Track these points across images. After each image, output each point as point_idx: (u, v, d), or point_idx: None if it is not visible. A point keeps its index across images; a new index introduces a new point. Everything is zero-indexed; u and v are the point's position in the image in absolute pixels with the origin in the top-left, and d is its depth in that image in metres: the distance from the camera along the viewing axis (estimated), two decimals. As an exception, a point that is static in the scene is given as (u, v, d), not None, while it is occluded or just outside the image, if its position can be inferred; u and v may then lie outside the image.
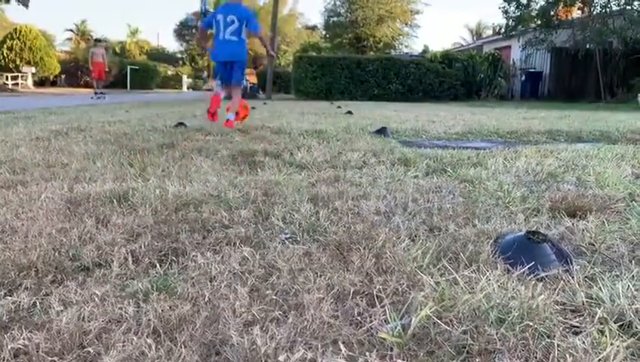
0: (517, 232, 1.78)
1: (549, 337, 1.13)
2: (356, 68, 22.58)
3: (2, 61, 31.44)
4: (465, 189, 2.60)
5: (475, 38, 44.49)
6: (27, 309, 1.24)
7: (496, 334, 1.13)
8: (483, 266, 1.51)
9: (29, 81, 31.88)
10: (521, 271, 1.47)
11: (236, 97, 6.04)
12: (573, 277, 1.45)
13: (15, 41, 32.56)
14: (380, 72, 22.46)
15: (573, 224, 1.98)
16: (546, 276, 1.47)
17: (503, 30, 22.89)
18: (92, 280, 1.42)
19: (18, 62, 32.12)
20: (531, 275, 1.46)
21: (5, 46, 32.17)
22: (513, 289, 1.35)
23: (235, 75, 6.01)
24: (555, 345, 1.09)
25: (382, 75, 22.46)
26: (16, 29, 33.40)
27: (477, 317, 1.21)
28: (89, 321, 1.18)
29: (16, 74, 30.50)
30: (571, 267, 1.54)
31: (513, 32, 22.31)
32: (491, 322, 1.18)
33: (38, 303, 1.27)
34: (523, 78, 22.13)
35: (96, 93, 18.90)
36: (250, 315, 1.23)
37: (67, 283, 1.39)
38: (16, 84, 29.61)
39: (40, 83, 33.88)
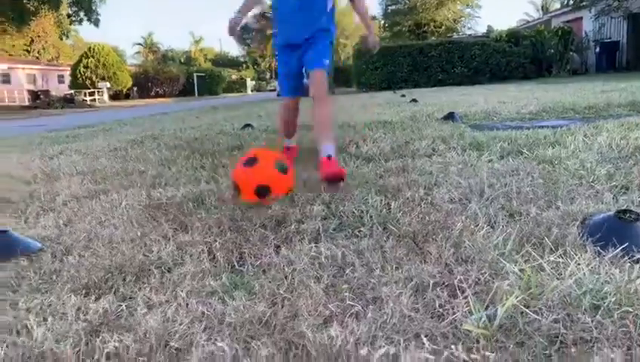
0: (605, 212, 1.66)
1: (652, 323, 1.04)
2: (418, 54, 22.15)
3: (80, 79, 33.44)
4: (544, 170, 2.47)
5: (541, 13, 42.42)
6: (115, 312, 1.29)
7: (592, 322, 1.05)
8: (570, 250, 1.42)
9: (105, 96, 33.73)
10: (614, 253, 1.37)
11: (324, 104, 3.08)
12: (674, 258, 1.33)
13: (90, 59, 34.53)
14: (443, 57, 21.91)
15: (668, 200, 1.83)
16: (643, 257, 1.36)
17: (572, 1, 21.66)
18: (173, 281, 1.45)
19: (94, 79, 34.05)
20: (625, 257, 1.35)
21: (82, 64, 34.19)
22: (606, 273, 1.26)
23: (316, 50, 2.97)
24: (661, 332, 1.00)
25: (445, 60, 21.90)
26: (90, 47, 35.42)
27: (568, 304, 1.13)
28: (173, 321, 1.21)
29: (92, 90, 32.37)
30: (671, 246, 1.41)
31: (583, 2, 21.04)
32: (585, 309, 1.10)
33: (124, 306, 1.31)
34: (597, 49, 20.82)
35: None
36: (327, 311, 1.21)
37: (150, 285, 1.43)
38: (94, 99, 31.43)
39: (114, 97, 35.75)
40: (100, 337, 1.16)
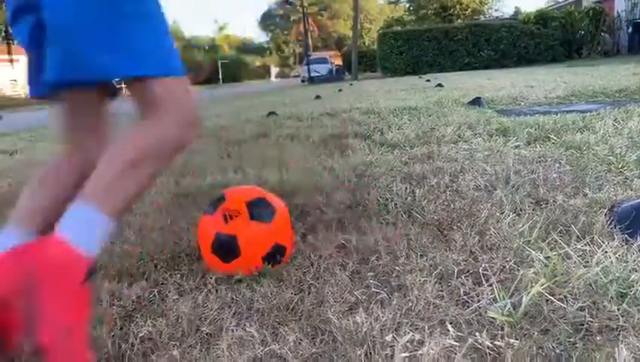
0: (634, 199, 1.64)
1: (680, 312, 1.03)
2: (444, 38, 21.87)
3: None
4: (572, 156, 2.44)
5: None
6: (147, 298, 1.34)
7: (618, 310, 1.05)
8: (598, 238, 1.41)
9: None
10: (643, 241, 1.36)
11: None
12: None
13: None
14: (469, 40, 21.61)
15: (701, 186, 1.79)
16: (673, 245, 1.34)
17: (603, -20, 21.04)
18: (202, 268, 1.49)
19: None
20: (654, 245, 1.34)
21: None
22: (634, 261, 1.25)
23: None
24: (689, 320, 0.99)
25: (472, 43, 21.59)
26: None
27: (594, 292, 1.13)
28: (203, 307, 1.25)
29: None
30: (702, 234, 1.39)
31: (616, -19, 20.43)
32: (611, 297, 1.10)
33: (156, 292, 1.36)
34: (630, 30, 20.21)
35: None
36: (353, 298, 1.24)
37: (181, 272, 1.48)
38: (120, 88, 31.89)
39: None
40: (134, 322, 1.20)
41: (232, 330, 1.14)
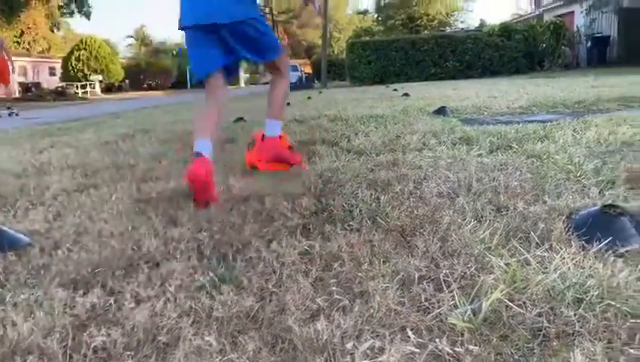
0: (591, 207, 1.68)
1: (633, 317, 1.05)
2: (411, 48, 22.18)
3: (71, 71, 33.16)
4: (532, 165, 2.49)
5: (534, 7, 42.46)
6: (103, 307, 1.29)
7: (575, 315, 1.07)
8: (556, 244, 1.44)
9: (97, 89, 33.50)
10: (598, 247, 1.39)
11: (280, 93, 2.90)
12: (657, 252, 1.35)
13: (82, 52, 34.25)
14: (435, 51, 21.97)
15: (654, 195, 1.85)
16: (627, 251, 1.37)
17: (564, -5, 21.73)
18: (162, 275, 1.46)
19: (86, 72, 33.78)
20: (609, 251, 1.37)
21: (73, 57, 33.92)
22: (590, 267, 1.27)
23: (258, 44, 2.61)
24: (641, 325, 1.01)
25: (438, 54, 21.96)
26: (82, 40, 35.12)
27: (552, 298, 1.15)
28: (161, 316, 1.22)
29: (84, 83, 32.12)
30: (655, 241, 1.43)
31: (576, -3, 21.13)
32: (568, 303, 1.12)
33: (112, 301, 1.32)
34: (589, 44, 20.90)
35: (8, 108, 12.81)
36: (315, 305, 1.22)
37: (138, 280, 1.44)
38: (85, 92, 31.19)
39: (107, 89, 35.53)
40: (88, 331, 1.16)
41: (190, 339, 1.11)
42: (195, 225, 1.89)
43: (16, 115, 12.53)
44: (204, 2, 2.44)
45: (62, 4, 35.11)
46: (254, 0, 2.59)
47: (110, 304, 1.30)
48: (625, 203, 1.78)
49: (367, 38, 30.00)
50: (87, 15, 34.05)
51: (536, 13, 28.75)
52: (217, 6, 2.42)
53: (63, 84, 32.29)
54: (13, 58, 13.00)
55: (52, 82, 33.64)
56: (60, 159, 3.83)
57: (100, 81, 34.08)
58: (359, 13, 53.91)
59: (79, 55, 34.12)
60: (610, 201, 1.75)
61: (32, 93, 28.58)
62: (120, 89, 37.52)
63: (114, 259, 1.58)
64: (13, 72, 12.95)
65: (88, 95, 30.62)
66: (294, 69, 28.57)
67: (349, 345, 1.03)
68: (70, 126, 7.56)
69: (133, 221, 2.01)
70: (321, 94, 13.72)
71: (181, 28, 2.54)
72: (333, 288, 1.30)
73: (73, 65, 33.60)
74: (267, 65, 2.88)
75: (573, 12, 22.69)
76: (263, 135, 2.85)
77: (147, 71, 38.84)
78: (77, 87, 31.16)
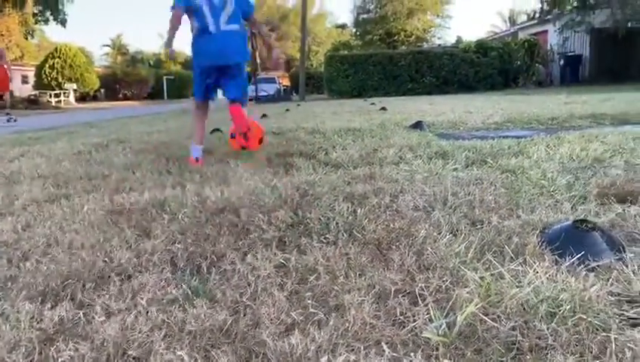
0: (564, 222, 1.70)
1: (604, 331, 1.07)
2: (388, 63, 22.40)
3: (45, 80, 32.57)
4: (507, 180, 2.52)
5: (509, 25, 43.45)
6: (72, 320, 1.26)
7: (548, 329, 1.08)
8: (530, 259, 1.45)
9: (71, 98, 32.95)
10: (571, 261, 1.41)
11: (240, 116, 3.91)
12: (627, 266, 1.37)
13: (56, 60, 33.69)
14: (412, 66, 22.22)
15: (624, 210, 1.89)
16: (598, 266, 1.40)
17: (537, 15, 22.28)
18: (133, 288, 1.43)
19: (60, 80, 33.23)
20: (582, 266, 1.39)
21: (47, 65, 33.32)
22: (563, 281, 1.29)
23: (235, 84, 3.87)
24: (612, 338, 1.03)
25: (415, 69, 22.21)
26: (56, 48, 34.57)
27: (526, 311, 1.16)
28: (132, 330, 1.19)
29: (58, 91, 31.59)
30: (624, 255, 1.46)
31: (549, 16, 21.69)
32: (541, 317, 1.13)
33: (81, 314, 1.28)
34: (562, 62, 21.43)
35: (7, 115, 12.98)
36: (290, 319, 1.21)
37: (110, 293, 1.40)
38: (59, 101, 30.66)
39: (81, 98, 34.97)
40: (55, 346, 1.12)
41: (162, 354, 1.08)
42: (168, 236, 1.86)
43: (15, 120, 12.77)
44: (218, 50, 3.71)
45: (36, 11, 34.59)
46: (247, 47, 3.97)
47: (79, 317, 1.27)
48: (596, 218, 1.81)
49: (346, 52, 30.23)
50: (63, 23, 33.58)
51: (512, 31, 29.39)
52: (227, 53, 3.75)
53: (36, 92, 31.69)
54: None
55: (25, 90, 32.97)
56: (30, 168, 3.74)
57: (75, 90, 33.53)
58: (338, 27, 54.37)
59: (53, 63, 33.56)
60: (582, 216, 1.78)
61: (2, 100, 27.94)
62: (95, 98, 36.95)
63: (84, 271, 1.55)
64: (11, 80, 13.89)
65: (62, 104, 30.09)
66: (272, 81, 28.61)
67: (323, 360, 1.02)
68: (42, 135, 7.42)
69: (105, 232, 1.97)
70: (299, 107, 13.74)
71: (198, 65, 3.86)
72: (309, 301, 1.29)
73: (47, 73, 32.99)
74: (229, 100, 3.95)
75: (547, 31, 23.25)
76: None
77: (123, 80, 38.37)
78: (50, 95, 30.62)
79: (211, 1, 3.62)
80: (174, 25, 3.63)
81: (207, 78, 3.85)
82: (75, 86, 33.63)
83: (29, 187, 3.01)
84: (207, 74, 3.82)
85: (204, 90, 3.93)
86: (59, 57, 33.93)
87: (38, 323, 1.24)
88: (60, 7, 33.04)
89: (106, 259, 1.66)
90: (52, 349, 1.11)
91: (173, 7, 3.62)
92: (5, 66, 13.06)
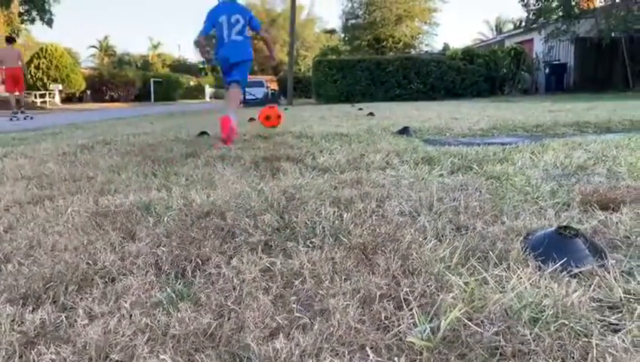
0: (547, 228, 1.72)
1: (586, 336, 1.08)
2: (376, 69, 22.53)
3: (30, 80, 32.20)
4: (492, 186, 2.54)
5: (495, 33, 43.93)
6: (53, 323, 1.24)
7: (530, 334, 1.09)
8: (513, 264, 1.46)
9: (57, 98, 32.63)
10: (554, 267, 1.42)
11: (236, 97, 5.81)
12: (609, 272, 1.39)
13: (42, 60, 33.38)
14: (400, 72, 22.37)
15: (606, 217, 1.91)
16: (580, 272, 1.41)
17: (523, 23, 22.57)
18: (117, 291, 1.41)
19: (45, 81, 32.91)
20: (564, 272, 1.41)
21: (33, 65, 32.99)
22: (546, 286, 1.30)
23: (238, 72, 5.63)
24: (594, 344, 1.04)
25: (402, 75, 22.36)
26: (42, 48, 34.26)
27: (509, 317, 1.17)
28: (115, 333, 1.18)
29: (43, 92, 31.27)
30: (606, 262, 1.48)
31: (534, 25, 21.99)
32: (524, 322, 1.14)
33: (64, 317, 1.27)
34: (547, 70, 21.73)
35: (14, 113, 13.84)
36: (274, 323, 1.21)
37: (93, 296, 1.39)
38: (44, 101, 30.36)
39: (67, 99, 34.65)
40: (36, 349, 1.11)
41: (145, 358, 1.07)
42: (153, 239, 1.85)
43: (31, 118, 13.95)
44: (229, 53, 5.48)
45: (22, 10, 34.22)
46: (249, 50, 5.68)
47: (61, 320, 1.26)
48: (579, 224, 1.83)
49: (334, 57, 30.34)
50: (49, 23, 33.25)
51: (498, 39, 29.71)
52: (234, 54, 5.49)
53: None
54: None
55: (9, 90, 32.63)
56: (13, 169, 3.70)
57: (60, 91, 33.22)
58: (327, 32, 54.53)
59: (39, 63, 33.23)
60: (565, 223, 1.81)
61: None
62: (81, 99, 36.61)
63: (67, 274, 1.53)
64: (26, 81, 15.08)
65: (47, 105, 29.80)
66: (260, 84, 28.59)
67: (308, 364, 1.02)
68: (26, 136, 7.33)
69: (89, 235, 1.95)
70: (287, 111, 13.73)
71: (219, 63, 5.76)
72: (294, 306, 1.29)
73: (32, 73, 32.67)
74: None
75: (532, 39, 23.56)
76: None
77: (110, 82, 38.10)
78: (35, 96, 30.31)
79: (229, 20, 5.42)
80: (202, 46, 5.82)
81: (225, 70, 5.68)
82: (60, 87, 33.31)
83: (12, 188, 2.98)
84: (225, 68, 5.67)
85: (227, 79, 5.76)
86: (44, 57, 33.63)
87: (19, 326, 1.22)
88: (47, 7, 32.73)
89: (90, 261, 1.64)
90: (33, 352, 1.10)
91: (198, 39, 5.78)
92: (21, 66, 14.19)
